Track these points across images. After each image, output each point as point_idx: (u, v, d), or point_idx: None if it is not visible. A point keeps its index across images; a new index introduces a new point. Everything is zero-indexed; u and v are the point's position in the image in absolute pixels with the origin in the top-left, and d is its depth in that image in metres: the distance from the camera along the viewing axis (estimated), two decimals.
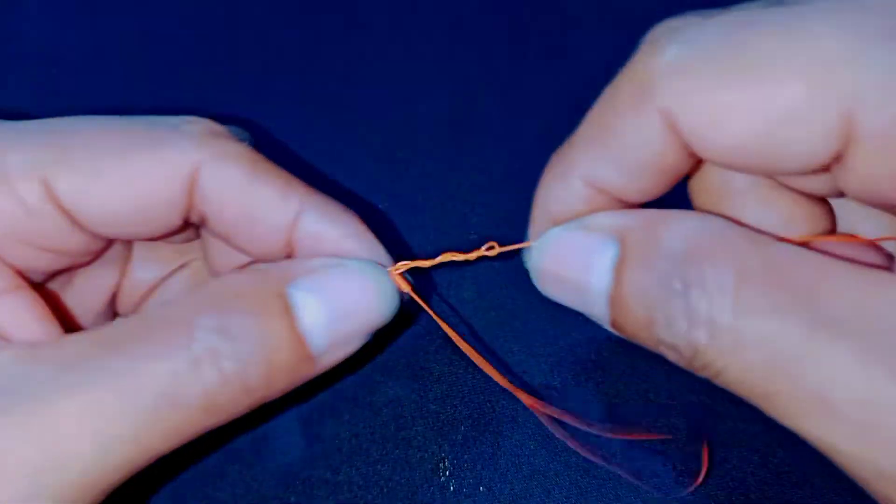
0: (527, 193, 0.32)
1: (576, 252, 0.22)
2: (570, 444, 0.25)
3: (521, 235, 0.31)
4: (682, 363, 0.20)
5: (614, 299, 0.21)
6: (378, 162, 0.32)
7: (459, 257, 0.25)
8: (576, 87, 0.33)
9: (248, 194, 0.23)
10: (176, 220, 0.24)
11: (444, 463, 0.28)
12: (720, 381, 0.20)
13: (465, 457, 0.28)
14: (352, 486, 0.27)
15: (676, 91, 0.19)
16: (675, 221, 0.20)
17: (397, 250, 0.30)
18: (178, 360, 0.20)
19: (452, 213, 0.31)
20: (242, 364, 0.21)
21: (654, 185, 0.22)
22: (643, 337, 0.21)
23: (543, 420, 0.25)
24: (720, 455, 0.27)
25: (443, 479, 0.27)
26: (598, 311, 0.22)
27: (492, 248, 0.25)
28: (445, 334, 0.29)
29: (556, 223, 0.23)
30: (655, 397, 0.28)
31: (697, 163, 0.22)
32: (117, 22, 0.35)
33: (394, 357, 0.29)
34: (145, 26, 0.35)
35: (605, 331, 0.29)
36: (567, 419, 0.25)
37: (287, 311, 0.22)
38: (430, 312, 0.26)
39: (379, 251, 0.25)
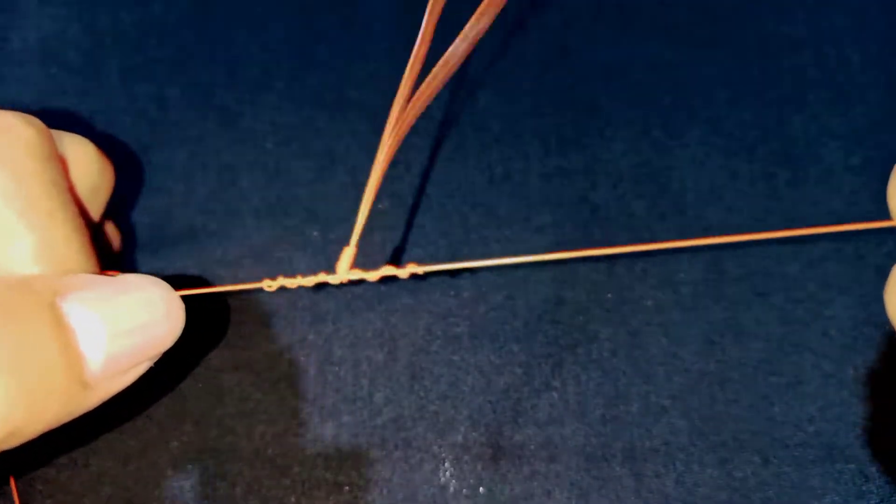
0: (527, 193, 0.32)
1: None
2: None
3: (519, 235, 0.31)
4: None
5: None
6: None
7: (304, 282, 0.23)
8: (576, 87, 0.33)
9: None
10: None
11: (444, 463, 0.28)
12: None
13: (465, 457, 0.28)
14: (352, 486, 0.27)
15: None
16: None
17: (398, 251, 0.31)
18: None
19: (452, 213, 0.31)
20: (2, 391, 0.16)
21: None
22: None
23: None
24: (720, 455, 0.27)
25: (443, 479, 0.27)
26: None
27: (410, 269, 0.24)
28: (445, 334, 0.29)
29: None
30: (657, 398, 0.28)
31: None
32: (118, 22, 0.35)
33: (393, 357, 0.29)
34: (146, 26, 0.35)
35: (604, 331, 0.29)
36: None
37: (59, 325, 0.18)
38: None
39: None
